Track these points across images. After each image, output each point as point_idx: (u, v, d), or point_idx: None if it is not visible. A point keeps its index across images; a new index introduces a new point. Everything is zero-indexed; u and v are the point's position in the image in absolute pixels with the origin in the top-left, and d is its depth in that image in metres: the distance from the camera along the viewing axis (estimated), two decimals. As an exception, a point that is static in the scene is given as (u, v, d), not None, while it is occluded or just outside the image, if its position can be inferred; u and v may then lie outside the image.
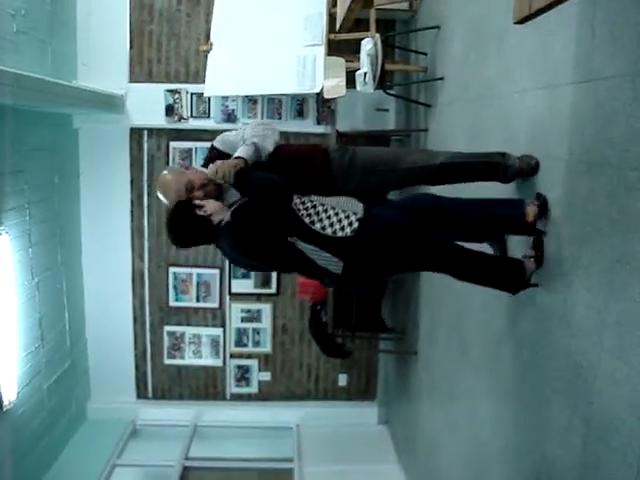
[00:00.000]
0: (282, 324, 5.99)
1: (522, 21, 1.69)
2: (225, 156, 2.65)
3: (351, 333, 5.15)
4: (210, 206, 2.50)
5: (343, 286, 2.59)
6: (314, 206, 2.44)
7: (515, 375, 2.83)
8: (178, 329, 5.95)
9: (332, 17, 4.75)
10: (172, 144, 5.64)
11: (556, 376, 2.37)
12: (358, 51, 4.23)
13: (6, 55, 4.04)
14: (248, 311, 5.94)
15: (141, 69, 5.51)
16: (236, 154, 2.61)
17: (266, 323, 5.96)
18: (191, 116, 5.53)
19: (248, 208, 2.45)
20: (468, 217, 2.55)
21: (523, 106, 2.74)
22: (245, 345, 6.00)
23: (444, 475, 4.00)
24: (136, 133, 5.63)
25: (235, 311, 5.94)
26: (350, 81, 4.35)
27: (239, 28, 4.92)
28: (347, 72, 4.45)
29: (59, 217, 5.16)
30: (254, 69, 4.78)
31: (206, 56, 5.01)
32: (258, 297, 5.93)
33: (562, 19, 2.31)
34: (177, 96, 5.49)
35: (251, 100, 5.52)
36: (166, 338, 5.95)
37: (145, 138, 5.64)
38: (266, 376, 6.06)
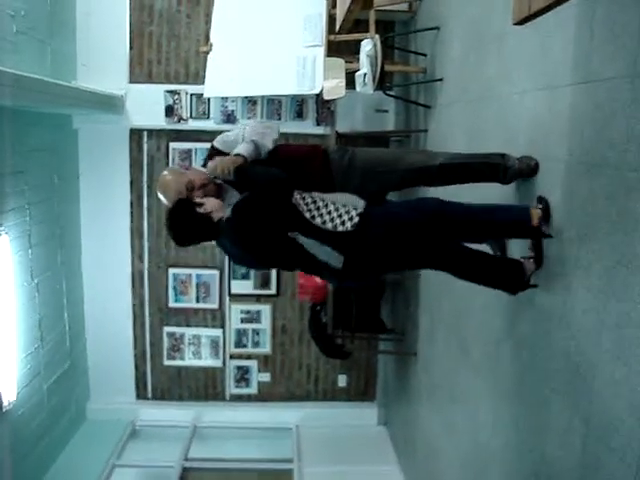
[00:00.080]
0: (282, 325, 5.99)
1: (521, 22, 1.69)
2: (225, 156, 2.66)
3: (351, 334, 5.15)
4: (210, 204, 2.51)
5: (343, 281, 2.58)
6: (314, 202, 2.44)
7: (514, 376, 2.83)
8: (178, 330, 5.95)
9: (332, 18, 4.76)
10: (172, 145, 5.64)
11: (555, 377, 2.37)
12: (358, 52, 4.23)
13: (6, 56, 4.04)
14: (248, 312, 5.94)
15: (141, 70, 5.51)
16: (235, 151, 2.62)
17: (266, 324, 5.96)
18: (191, 117, 5.53)
19: (249, 202, 2.45)
20: (473, 222, 2.53)
21: (522, 107, 2.75)
22: (245, 346, 6.00)
23: (443, 476, 4.00)
24: (136, 134, 5.63)
25: (235, 312, 5.93)
26: (350, 82, 4.36)
27: (239, 29, 4.92)
28: (347, 73, 4.46)
29: (59, 218, 5.16)
30: (254, 70, 4.78)
31: (206, 57, 5.01)
32: (258, 298, 5.93)
33: (561, 20, 2.32)
34: (177, 97, 5.50)
35: (251, 101, 5.52)
36: (166, 339, 5.95)
37: (145, 139, 5.64)
38: (266, 377, 6.06)
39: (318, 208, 2.42)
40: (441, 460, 4.06)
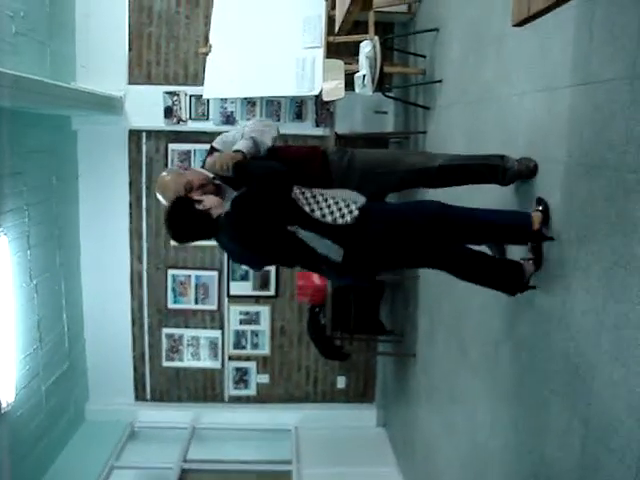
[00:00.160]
0: (280, 326, 5.98)
1: (521, 24, 1.69)
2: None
3: (350, 335, 5.15)
4: (209, 200, 2.50)
5: (342, 275, 2.55)
6: (314, 196, 2.44)
7: (514, 377, 2.83)
8: (176, 331, 5.94)
9: (331, 19, 4.76)
10: (171, 146, 5.64)
11: (555, 378, 2.37)
12: (357, 53, 4.23)
13: (5, 57, 4.03)
14: (247, 313, 5.94)
15: (140, 71, 5.51)
16: (234, 147, 2.62)
17: (264, 325, 5.96)
18: (190, 118, 5.53)
19: (248, 196, 2.45)
20: (473, 226, 2.51)
21: (522, 109, 2.75)
22: (243, 347, 6.00)
23: (442, 477, 4.00)
24: (135, 135, 5.63)
25: (233, 313, 5.93)
26: (349, 83, 4.36)
27: (238, 30, 4.92)
28: (346, 74, 4.46)
29: (58, 219, 5.16)
30: (253, 71, 4.78)
31: (205, 58, 5.01)
32: (257, 299, 5.93)
33: (560, 22, 2.32)
34: (176, 98, 5.50)
35: (250, 102, 5.52)
36: (164, 340, 5.94)
37: (144, 140, 5.64)
38: (264, 378, 6.06)
39: (318, 202, 2.41)
40: (440, 461, 4.06)
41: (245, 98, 5.44)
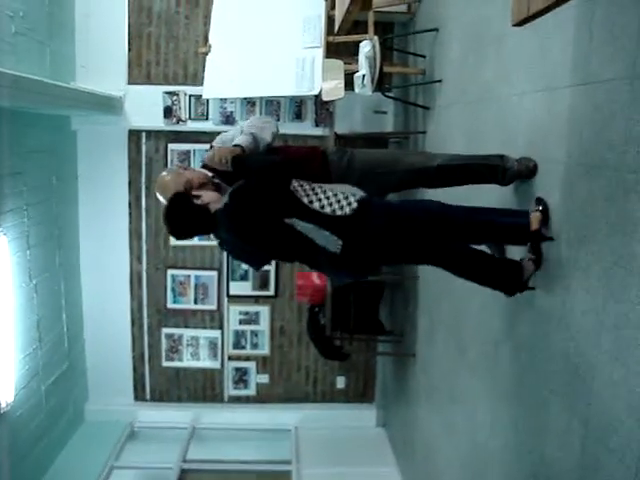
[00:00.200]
0: (280, 326, 5.98)
1: (520, 24, 1.69)
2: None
3: (349, 335, 5.15)
4: (208, 196, 2.51)
5: (340, 269, 2.53)
6: (313, 188, 2.44)
7: (513, 377, 2.83)
8: (176, 331, 5.94)
9: (331, 19, 4.75)
10: (170, 146, 5.64)
11: (554, 378, 2.37)
12: (356, 53, 4.23)
13: (4, 57, 4.03)
14: (246, 313, 5.94)
15: (139, 71, 5.51)
16: (234, 142, 2.62)
17: (264, 325, 5.95)
18: (189, 118, 5.53)
19: (246, 188, 2.45)
20: (473, 226, 2.51)
21: (521, 109, 2.75)
22: (243, 347, 5.99)
23: (442, 477, 4.00)
24: (134, 135, 5.63)
25: (233, 313, 5.93)
26: (348, 83, 4.35)
27: (238, 30, 4.92)
28: (345, 74, 4.45)
29: (57, 219, 5.16)
30: (252, 71, 4.78)
31: (204, 58, 5.01)
32: (256, 299, 5.93)
33: (560, 22, 2.32)
34: (175, 98, 5.49)
35: (249, 102, 5.52)
36: (164, 340, 5.94)
37: (143, 140, 5.64)
38: (264, 378, 6.06)
39: (317, 194, 2.41)
40: (440, 461, 4.06)
41: (245, 98, 5.44)
